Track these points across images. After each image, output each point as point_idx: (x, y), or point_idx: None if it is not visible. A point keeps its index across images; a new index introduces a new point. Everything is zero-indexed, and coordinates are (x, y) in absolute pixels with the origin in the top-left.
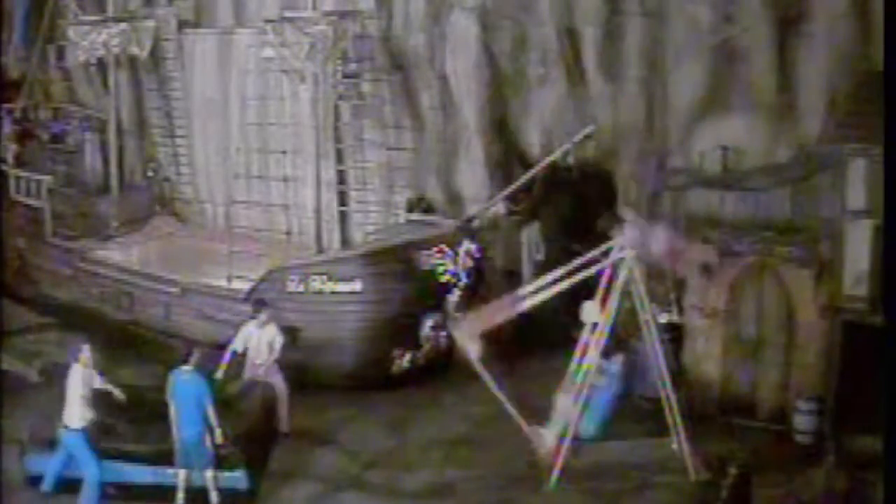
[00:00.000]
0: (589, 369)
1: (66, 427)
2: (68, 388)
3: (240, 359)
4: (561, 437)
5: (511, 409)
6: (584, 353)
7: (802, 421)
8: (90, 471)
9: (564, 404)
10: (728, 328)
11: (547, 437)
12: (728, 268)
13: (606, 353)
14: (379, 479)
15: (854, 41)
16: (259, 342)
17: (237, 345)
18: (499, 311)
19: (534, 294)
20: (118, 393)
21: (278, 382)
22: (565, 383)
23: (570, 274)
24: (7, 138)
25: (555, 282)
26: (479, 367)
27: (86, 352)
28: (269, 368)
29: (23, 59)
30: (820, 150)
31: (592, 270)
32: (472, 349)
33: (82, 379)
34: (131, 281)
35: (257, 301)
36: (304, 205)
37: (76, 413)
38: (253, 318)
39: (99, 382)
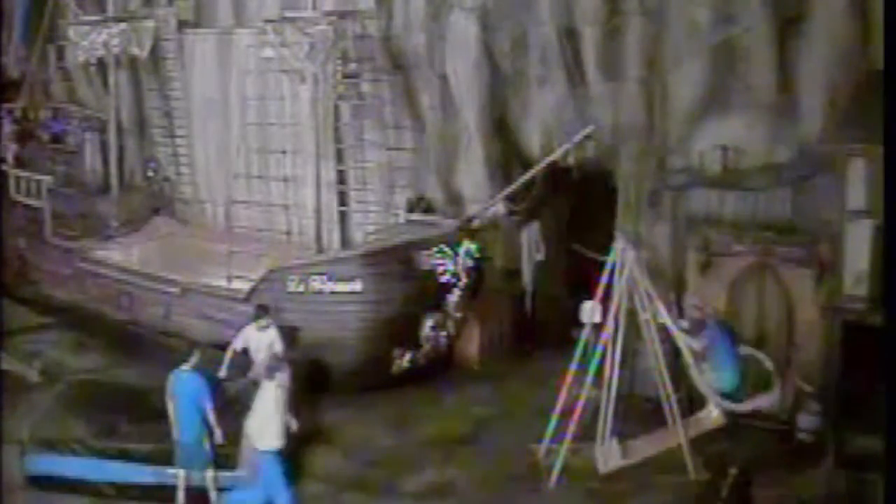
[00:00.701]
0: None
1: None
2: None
3: (241, 359)
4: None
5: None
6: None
7: (803, 421)
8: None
9: (700, 379)
10: None
11: (714, 415)
12: (728, 268)
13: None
14: (379, 479)
15: (854, 41)
16: (259, 344)
17: (237, 344)
18: None
19: None
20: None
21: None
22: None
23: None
24: (7, 138)
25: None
26: None
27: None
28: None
29: (23, 59)
30: (820, 150)
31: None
32: None
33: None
34: (131, 281)
35: (259, 307)
36: (304, 205)
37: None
38: (253, 321)
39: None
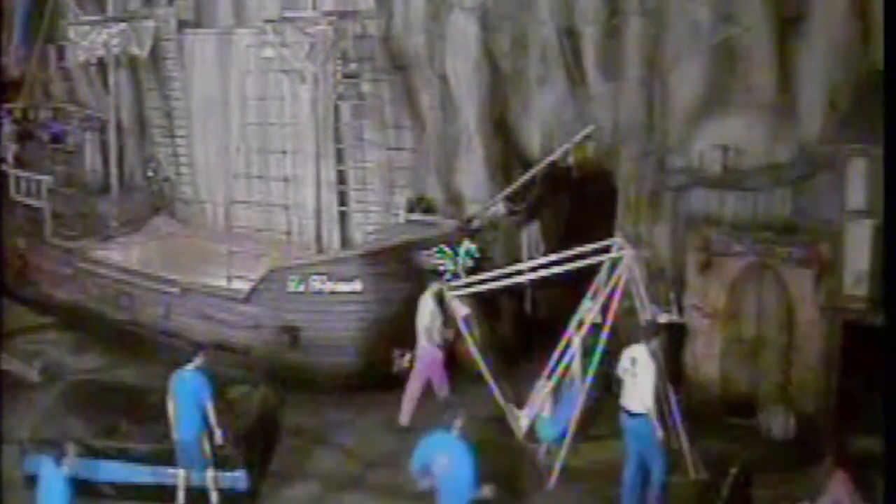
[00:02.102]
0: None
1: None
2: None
3: (241, 359)
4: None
5: (495, 388)
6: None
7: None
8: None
9: (545, 398)
10: (728, 328)
11: (522, 421)
12: (728, 268)
13: (609, 353)
14: (379, 479)
15: (854, 41)
16: None
17: None
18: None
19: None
20: None
21: None
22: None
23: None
24: (7, 138)
25: (551, 264)
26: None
27: None
28: None
29: (23, 59)
30: (820, 150)
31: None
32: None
33: None
34: (131, 281)
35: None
36: (304, 205)
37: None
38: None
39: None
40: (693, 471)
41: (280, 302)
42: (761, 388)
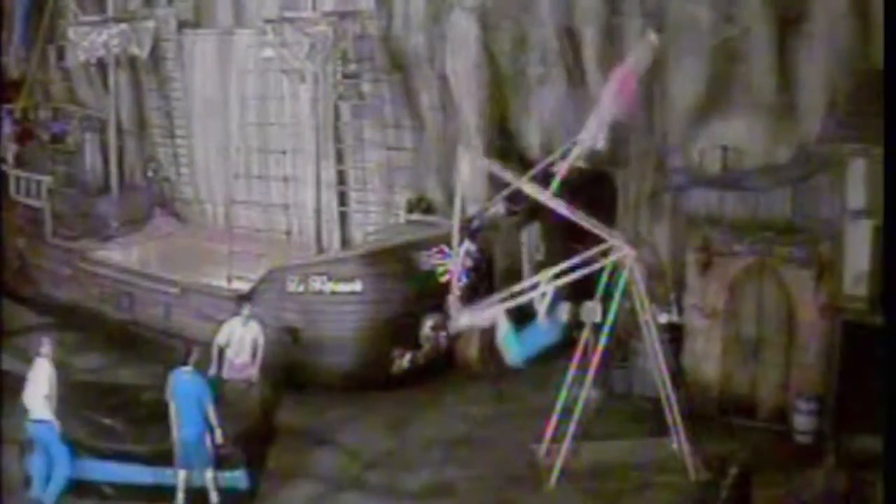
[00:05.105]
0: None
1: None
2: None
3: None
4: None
5: None
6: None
7: (802, 421)
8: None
9: (502, 321)
10: (728, 328)
11: (461, 318)
12: (728, 268)
13: (608, 354)
14: (379, 479)
15: (854, 41)
16: (242, 339)
17: (220, 338)
18: (493, 307)
19: (529, 291)
20: None
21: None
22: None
23: (568, 272)
24: (7, 138)
25: (554, 277)
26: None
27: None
28: (247, 368)
29: (23, 59)
30: (820, 150)
31: (594, 267)
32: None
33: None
34: (131, 281)
35: (241, 297)
36: (304, 205)
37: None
38: (237, 314)
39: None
40: (693, 471)
41: (280, 302)
42: (761, 388)
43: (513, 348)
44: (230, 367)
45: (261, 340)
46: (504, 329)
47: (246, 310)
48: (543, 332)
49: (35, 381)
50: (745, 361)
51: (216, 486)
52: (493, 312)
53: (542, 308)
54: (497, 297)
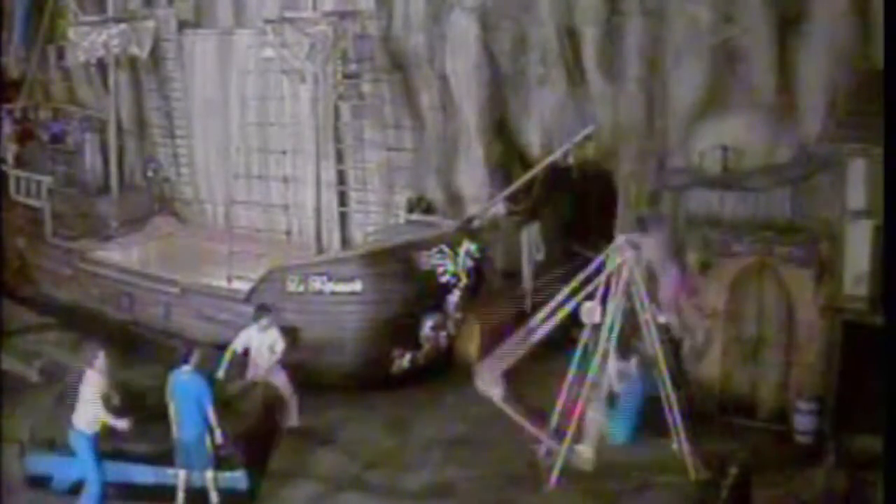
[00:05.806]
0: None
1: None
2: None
3: (241, 359)
4: None
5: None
6: (584, 355)
7: (802, 421)
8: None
9: (594, 418)
10: (728, 328)
11: (585, 454)
12: (728, 268)
13: (623, 356)
14: (379, 479)
15: (854, 41)
16: (260, 345)
17: (237, 345)
18: (515, 346)
19: (546, 321)
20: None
21: (282, 381)
22: (587, 393)
23: (575, 293)
24: (7, 138)
25: (563, 303)
26: (503, 406)
27: (101, 358)
28: (271, 369)
29: (23, 59)
30: (820, 150)
31: (592, 268)
32: (495, 393)
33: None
34: (131, 281)
35: (260, 307)
36: (304, 205)
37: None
38: (255, 321)
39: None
40: (693, 471)
41: (280, 302)
42: (761, 388)
43: (618, 431)
44: (252, 369)
45: (279, 346)
46: (602, 421)
47: (265, 320)
48: (628, 395)
49: (84, 395)
50: (745, 361)
51: (216, 487)
52: (590, 418)
53: (615, 384)
54: (516, 338)
